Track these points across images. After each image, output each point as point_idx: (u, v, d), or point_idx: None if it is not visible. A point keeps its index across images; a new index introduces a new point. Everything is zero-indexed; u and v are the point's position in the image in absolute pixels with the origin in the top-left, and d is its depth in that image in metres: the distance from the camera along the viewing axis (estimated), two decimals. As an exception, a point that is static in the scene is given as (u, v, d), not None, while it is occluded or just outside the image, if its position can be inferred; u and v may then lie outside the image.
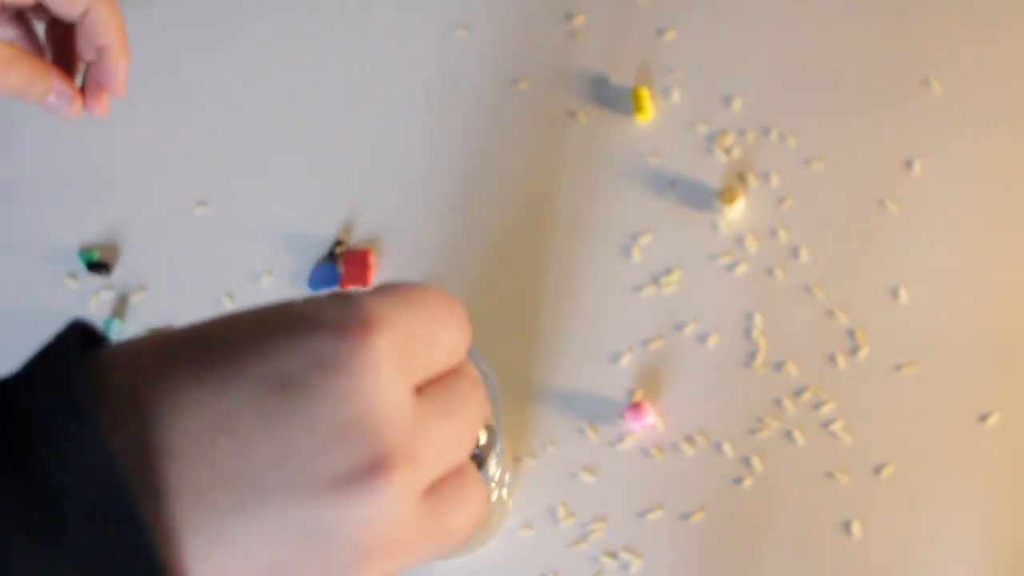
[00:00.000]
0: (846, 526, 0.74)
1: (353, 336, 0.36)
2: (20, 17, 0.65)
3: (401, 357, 0.37)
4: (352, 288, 0.34)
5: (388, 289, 0.39)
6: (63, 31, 0.66)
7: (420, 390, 0.38)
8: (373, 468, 0.36)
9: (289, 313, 0.38)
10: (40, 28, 0.67)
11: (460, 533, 0.39)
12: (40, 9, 0.64)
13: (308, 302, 0.38)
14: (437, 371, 0.39)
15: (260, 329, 0.37)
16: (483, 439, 0.62)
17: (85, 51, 0.63)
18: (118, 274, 0.80)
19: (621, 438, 0.76)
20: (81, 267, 0.80)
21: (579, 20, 0.85)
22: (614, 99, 0.83)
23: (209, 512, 0.35)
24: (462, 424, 0.39)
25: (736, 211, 0.80)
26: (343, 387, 0.36)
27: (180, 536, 0.35)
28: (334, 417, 0.36)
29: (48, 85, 0.62)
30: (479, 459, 0.61)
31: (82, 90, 0.65)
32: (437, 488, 0.38)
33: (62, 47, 0.66)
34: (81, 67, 0.66)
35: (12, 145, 0.82)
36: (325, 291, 0.38)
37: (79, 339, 0.36)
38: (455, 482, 0.39)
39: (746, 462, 0.75)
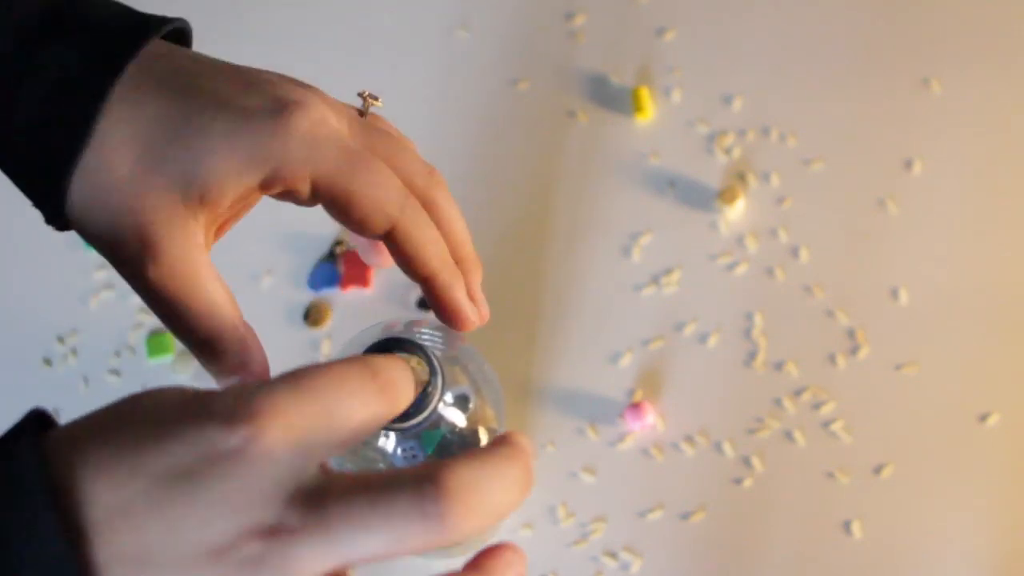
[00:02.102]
0: (846, 526, 0.74)
1: (242, 427, 0.38)
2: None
3: (295, 444, 0.39)
4: (250, 384, 0.37)
5: (282, 378, 0.40)
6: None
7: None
8: (246, 544, 0.38)
9: (186, 404, 0.40)
10: None
11: None
12: None
13: (206, 394, 0.40)
14: (345, 446, 0.40)
15: (160, 420, 0.40)
16: (484, 439, 0.61)
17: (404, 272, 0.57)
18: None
19: (621, 438, 0.76)
20: (86, 266, 0.80)
21: (579, 20, 0.85)
22: (614, 99, 0.83)
23: None
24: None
25: (736, 211, 0.80)
26: (230, 472, 0.38)
27: None
28: (217, 494, 0.38)
29: (239, 363, 0.54)
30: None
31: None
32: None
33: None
34: None
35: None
36: (230, 382, 0.42)
37: (33, 437, 0.40)
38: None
39: (746, 462, 0.75)
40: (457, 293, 0.56)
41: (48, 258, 0.80)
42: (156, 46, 0.51)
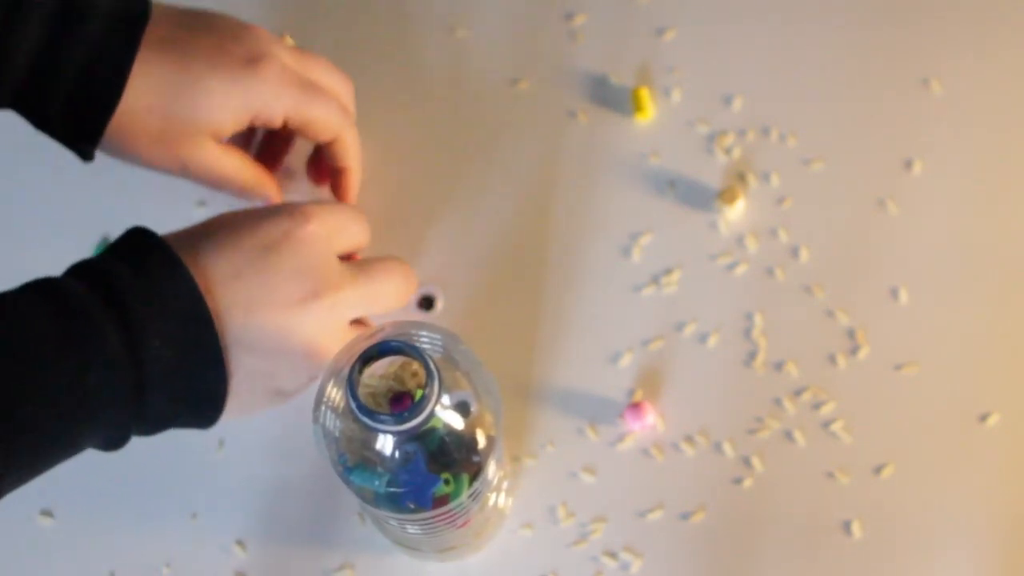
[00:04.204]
0: (846, 526, 0.74)
1: (300, 218, 0.68)
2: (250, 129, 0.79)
3: (326, 237, 0.69)
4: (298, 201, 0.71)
5: (321, 202, 0.73)
6: (273, 135, 0.81)
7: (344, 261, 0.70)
8: (314, 294, 0.67)
9: (269, 208, 0.69)
10: None
11: (387, 299, 0.72)
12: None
13: (276, 206, 0.70)
14: (347, 249, 0.72)
15: (249, 214, 0.68)
16: (483, 443, 0.62)
17: (330, 162, 0.78)
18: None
19: (621, 438, 0.76)
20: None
21: (579, 20, 0.84)
22: (614, 99, 0.83)
23: (231, 325, 0.65)
24: (369, 273, 0.71)
25: (736, 211, 0.80)
26: (297, 249, 0.67)
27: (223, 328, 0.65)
28: (294, 265, 0.67)
29: (264, 196, 0.77)
30: (478, 464, 0.61)
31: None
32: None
33: (269, 151, 0.81)
34: (282, 167, 0.82)
35: (18, 145, 0.82)
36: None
37: (151, 234, 0.66)
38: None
39: (746, 462, 0.75)
40: (356, 181, 0.79)
41: (49, 258, 0.81)
42: (151, 22, 0.71)
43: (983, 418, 0.75)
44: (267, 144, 0.81)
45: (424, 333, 0.61)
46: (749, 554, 0.74)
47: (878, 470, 0.75)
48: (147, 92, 0.70)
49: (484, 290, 0.79)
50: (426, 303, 0.79)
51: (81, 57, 0.68)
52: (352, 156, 0.77)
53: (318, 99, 0.74)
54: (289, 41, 0.82)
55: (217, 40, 0.72)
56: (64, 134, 0.71)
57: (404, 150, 0.82)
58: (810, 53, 0.83)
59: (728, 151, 0.81)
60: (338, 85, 0.77)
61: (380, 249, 0.80)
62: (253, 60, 0.72)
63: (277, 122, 0.74)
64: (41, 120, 0.71)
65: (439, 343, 0.62)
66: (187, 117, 0.71)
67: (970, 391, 0.76)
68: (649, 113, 0.82)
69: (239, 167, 0.75)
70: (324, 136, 0.75)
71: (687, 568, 0.74)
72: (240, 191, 0.76)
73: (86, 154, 0.71)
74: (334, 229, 0.69)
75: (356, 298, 0.69)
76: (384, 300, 0.72)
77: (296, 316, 0.66)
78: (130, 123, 0.71)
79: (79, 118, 0.70)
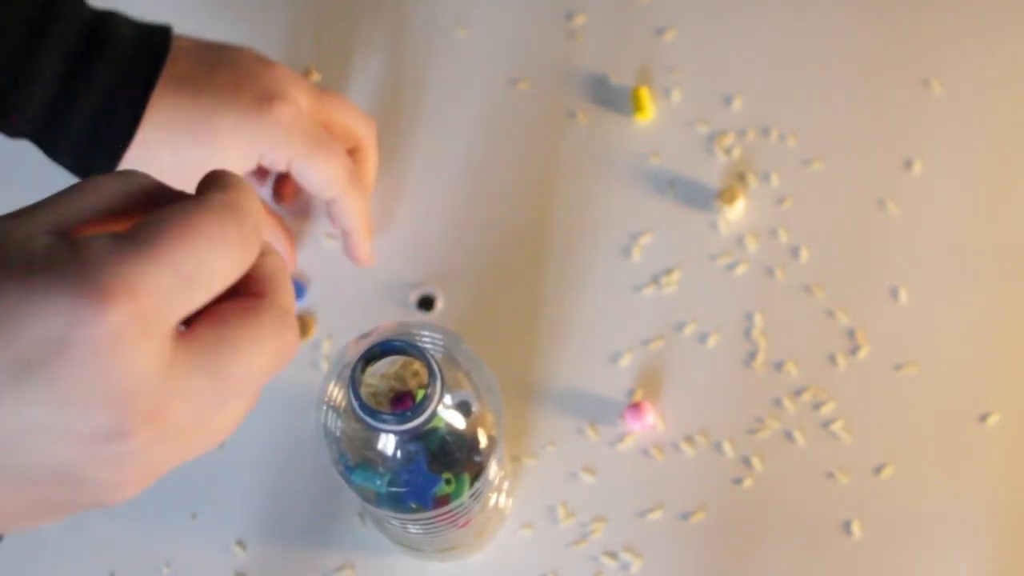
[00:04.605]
0: (846, 526, 0.74)
1: (90, 313, 0.36)
2: (261, 172, 0.78)
3: (147, 319, 0.37)
4: (101, 236, 0.38)
5: (138, 244, 0.38)
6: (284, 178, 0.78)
7: (191, 332, 0.39)
8: (112, 436, 0.38)
9: (53, 254, 0.38)
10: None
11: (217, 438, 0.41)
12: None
13: (69, 247, 0.38)
14: (205, 301, 0.39)
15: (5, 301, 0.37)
16: (484, 443, 0.62)
17: (333, 223, 0.76)
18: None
19: (621, 438, 0.76)
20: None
21: (579, 20, 0.85)
22: (614, 99, 0.83)
23: None
24: (230, 377, 0.39)
25: (736, 211, 0.80)
26: (80, 372, 0.37)
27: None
28: (73, 393, 0.37)
29: (271, 237, 0.74)
30: (480, 464, 0.61)
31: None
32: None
33: (287, 184, 0.79)
34: (300, 200, 0.80)
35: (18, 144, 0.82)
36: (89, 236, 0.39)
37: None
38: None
39: (746, 462, 0.75)
40: (364, 244, 0.77)
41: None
42: (171, 57, 0.71)
43: (983, 418, 0.75)
44: (285, 176, 0.79)
45: (426, 332, 0.61)
46: (749, 554, 0.74)
47: (878, 470, 0.75)
48: (158, 128, 0.70)
49: (484, 290, 0.79)
50: (426, 303, 0.79)
51: (97, 95, 0.69)
52: (349, 219, 0.75)
53: (322, 155, 0.72)
54: (315, 77, 0.80)
55: (233, 77, 0.71)
56: (76, 168, 0.71)
57: (404, 150, 0.82)
58: (810, 53, 0.83)
59: (728, 151, 0.81)
60: (359, 127, 0.76)
61: (380, 248, 0.80)
62: (266, 100, 0.71)
63: (281, 166, 0.72)
64: (54, 153, 0.71)
65: (440, 343, 0.61)
66: (196, 155, 0.71)
67: (970, 391, 0.76)
68: (649, 113, 0.82)
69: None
70: (322, 194, 0.74)
71: (687, 568, 0.74)
72: None
73: None
74: (161, 297, 0.38)
75: (197, 408, 0.40)
76: (230, 422, 0.42)
77: (84, 459, 0.39)
78: (142, 155, 0.71)
79: (91, 155, 0.70)
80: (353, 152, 0.77)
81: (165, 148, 0.70)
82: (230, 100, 0.70)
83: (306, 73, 0.78)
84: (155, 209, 0.39)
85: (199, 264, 0.38)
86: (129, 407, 0.37)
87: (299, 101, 0.72)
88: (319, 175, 0.72)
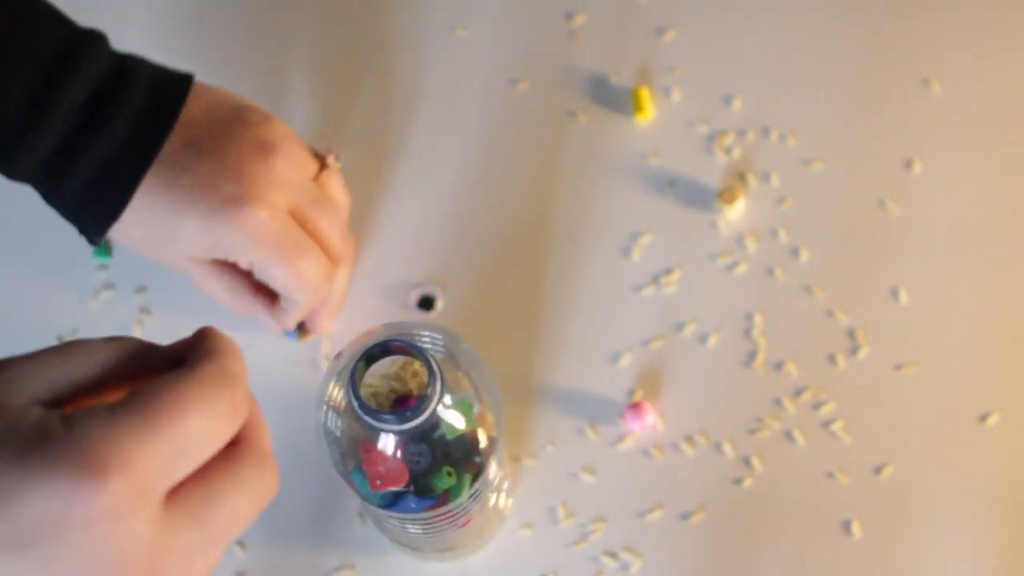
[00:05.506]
0: (846, 526, 0.74)
1: (88, 491, 0.38)
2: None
3: (142, 490, 0.39)
4: (95, 409, 0.40)
5: (132, 418, 0.39)
6: None
7: (179, 488, 0.41)
8: None
9: (45, 432, 0.39)
10: None
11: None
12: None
13: (63, 423, 0.39)
14: (196, 467, 0.41)
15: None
16: (484, 443, 0.62)
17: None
18: (119, 273, 0.80)
19: (621, 438, 0.76)
20: (87, 266, 0.80)
21: (579, 20, 0.84)
22: (614, 99, 0.83)
23: None
24: (216, 526, 0.41)
25: (736, 211, 0.80)
26: (78, 544, 0.38)
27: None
28: (73, 565, 0.38)
29: (256, 317, 0.74)
30: (480, 464, 0.61)
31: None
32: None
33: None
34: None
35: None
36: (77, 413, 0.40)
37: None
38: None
39: (746, 462, 0.75)
40: (325, 320, 0.77)
41: (49, 258, 0.80)
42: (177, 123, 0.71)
43: (983, 418, 0.75)
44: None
45: (426, 333, 0.61)
46: (749, 554, 0.74)
47: (878, 470, 0.75)
48: (132, 211, 0.70)
49: (484, 290, 0.79)
50: (426, 303, 0.79)
51: (98, 161, 0.69)
52: (311, 317, 0.76)
53: (283, 268, 0.70)
54: (332, 164, 0.75)
55: (213, 169, 0.70)
56: (71, 221, 0.72)
57: (404, 150, 0.82)
58: (810, 53, 0.83)
59: (728, 151, 0.81)
60: (334, 242, 0.73)
61: (381, 248, 0.80)
62: (235, 202, 0.69)
63: (242, 266, 0.71)
64: (51, 203, 0.71)
65: (440, 343, 0.62)
66: (164, 240, 0.71)
67: (970, 391, 0.76)
68: (649, 113, 0.82)
69: (223, 289, 0.73)
70: (290, 298, 0.72)
71: (687, 568, 0.74)
72: (231, 310, 0.75)
73: (92, 241, 0.72)
74: (154, 469, 0.40)
75: (190, 561, 0.42)
76: (212, 563, 0.43)
77: None
78: (124, 226, 0.71)
79: (84, 216, 0.71)
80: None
81: (138, 226, 0.70)
82: (199, 198, 0.69)
83: (327, 153, 0.75)
84: (145, 373, 0.41)
85: (192, 435, 0.40)
86: (127, 574, 0.39)
87: (276, 202, 0.70)
88: (280, 281, 0.71)
